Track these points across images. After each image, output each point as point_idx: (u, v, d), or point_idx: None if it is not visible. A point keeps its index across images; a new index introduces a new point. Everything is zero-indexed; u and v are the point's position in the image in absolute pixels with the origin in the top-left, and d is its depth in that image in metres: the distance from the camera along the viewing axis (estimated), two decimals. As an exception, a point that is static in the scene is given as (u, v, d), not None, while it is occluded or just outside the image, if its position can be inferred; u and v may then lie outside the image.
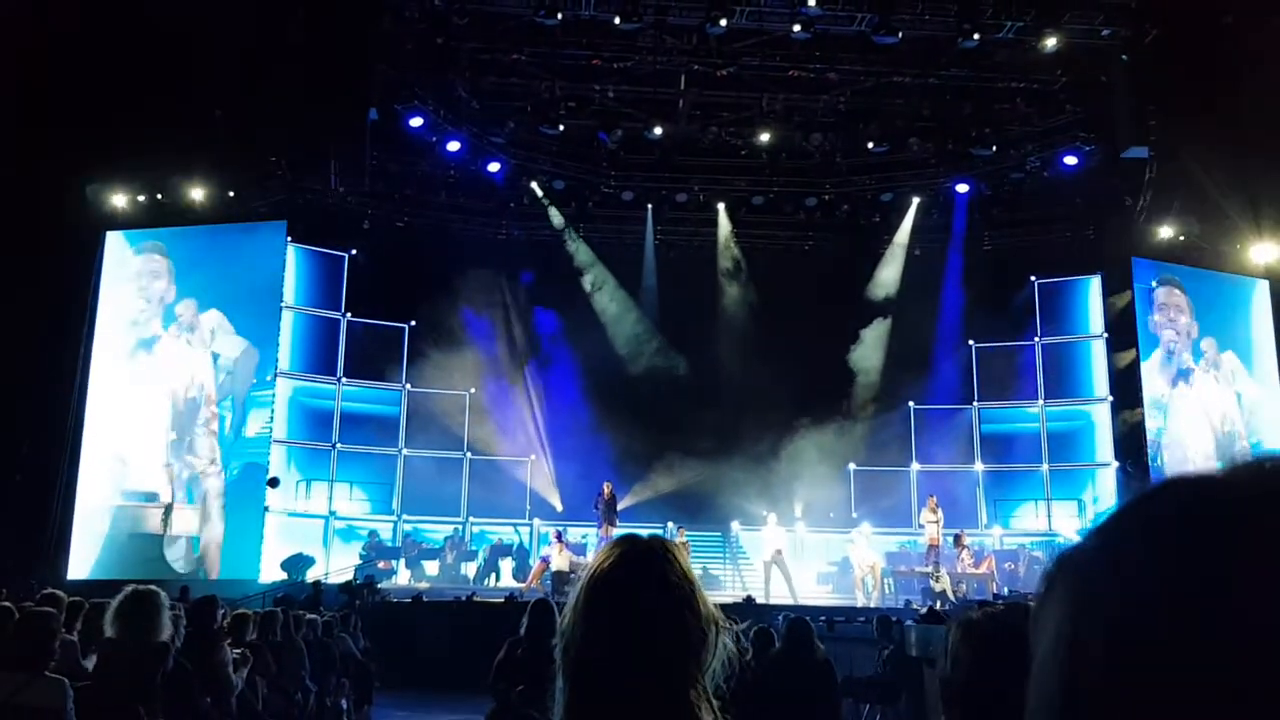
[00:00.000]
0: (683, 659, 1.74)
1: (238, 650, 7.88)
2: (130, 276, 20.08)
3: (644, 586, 1.77)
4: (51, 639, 5.41)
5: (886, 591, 18.95)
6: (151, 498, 19.18)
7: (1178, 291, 21.09)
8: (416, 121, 20.40)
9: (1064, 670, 0.54)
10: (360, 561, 19.29)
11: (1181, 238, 20.79)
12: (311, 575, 18.28)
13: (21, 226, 16.81)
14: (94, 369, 19.51)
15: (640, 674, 1.71)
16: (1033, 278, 21.86)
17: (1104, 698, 0.52)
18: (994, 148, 20.80)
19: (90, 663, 6.41)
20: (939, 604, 15.00)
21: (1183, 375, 20.89)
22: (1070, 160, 20.71)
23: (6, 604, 5.86)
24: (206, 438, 19.47)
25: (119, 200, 19.93)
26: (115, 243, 20.15)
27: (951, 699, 1.77)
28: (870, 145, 20.98)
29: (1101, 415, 21.05)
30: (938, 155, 21.29)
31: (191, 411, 19.57)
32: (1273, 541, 0.51)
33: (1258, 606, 0.49)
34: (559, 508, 21.14)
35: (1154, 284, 21.00)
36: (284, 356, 20.05)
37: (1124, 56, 18.99)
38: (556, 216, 22.16)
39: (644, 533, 1.91)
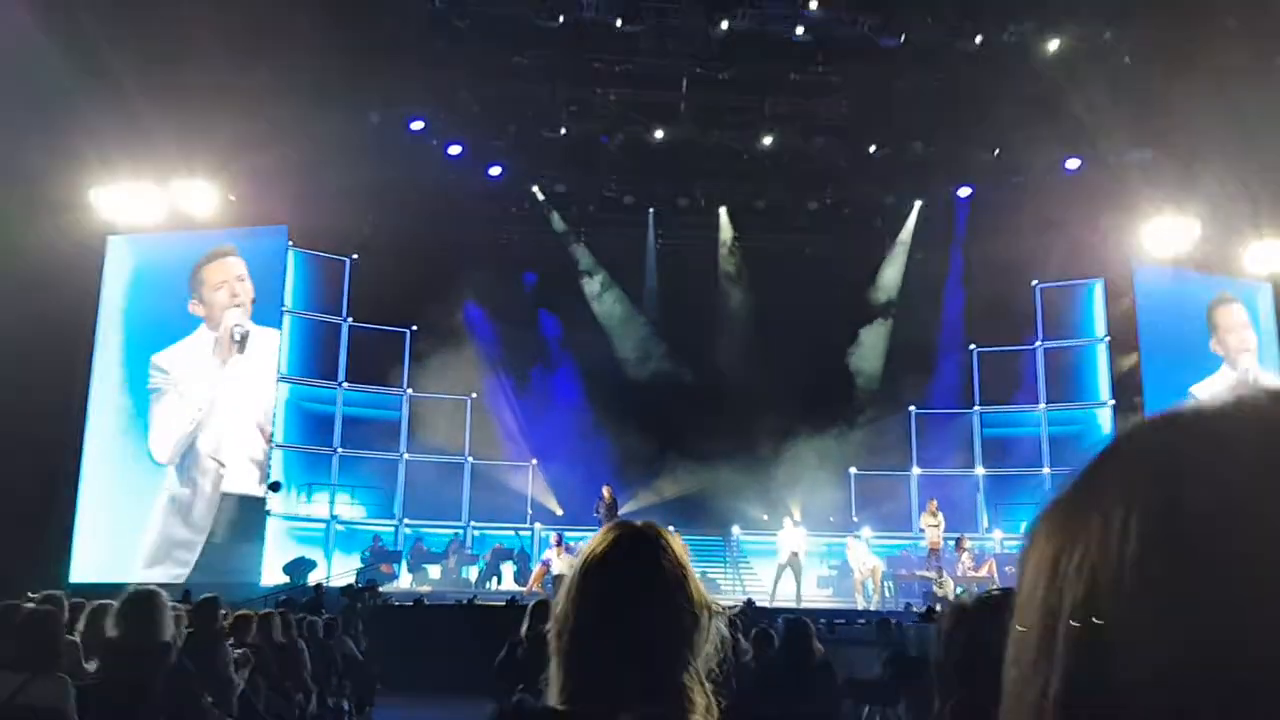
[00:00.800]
0: (675, 642, 1.75)
1: (239, 651, 7.90)
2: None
3: (637, 570, 1.78)
4: (56, 640, 5.43)
5: (887, 595, 18.95)
6: (181, 498, 19.08)
7: (1237, 307, 21.03)
8: (417, 125, 20.45)
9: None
10: (361, 565, 19.31)
11: (1184, 241, 20.77)
12: (313, 578, 18.29)
13: (26, 232, 16.83)
14: (105, 371, 19.48)
15: (632, 656, 1.73)
16: (1034, 281, 21.87)
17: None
18: (996, 151, 20.81)
19: (93, 664, 6.42)
20: (939, 607, 15.00)
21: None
22: (1072, 164, 20.73)
23: (12, 602, 5.87)
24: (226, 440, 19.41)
25: (121, 204, 19.93)
26: (121, 246, 20.15)
27: (946, 680, 1.78)
28: (872, 149, 21.00)
29: (1103, 419, 21.05)
30: (940, 159, 21.30)
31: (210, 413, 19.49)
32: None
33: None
34: (559, 512, 21.14)
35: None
36: (285, 361, 20.05)
37: (1126, 59, 19.00)
38: (558, 221, 22.20)
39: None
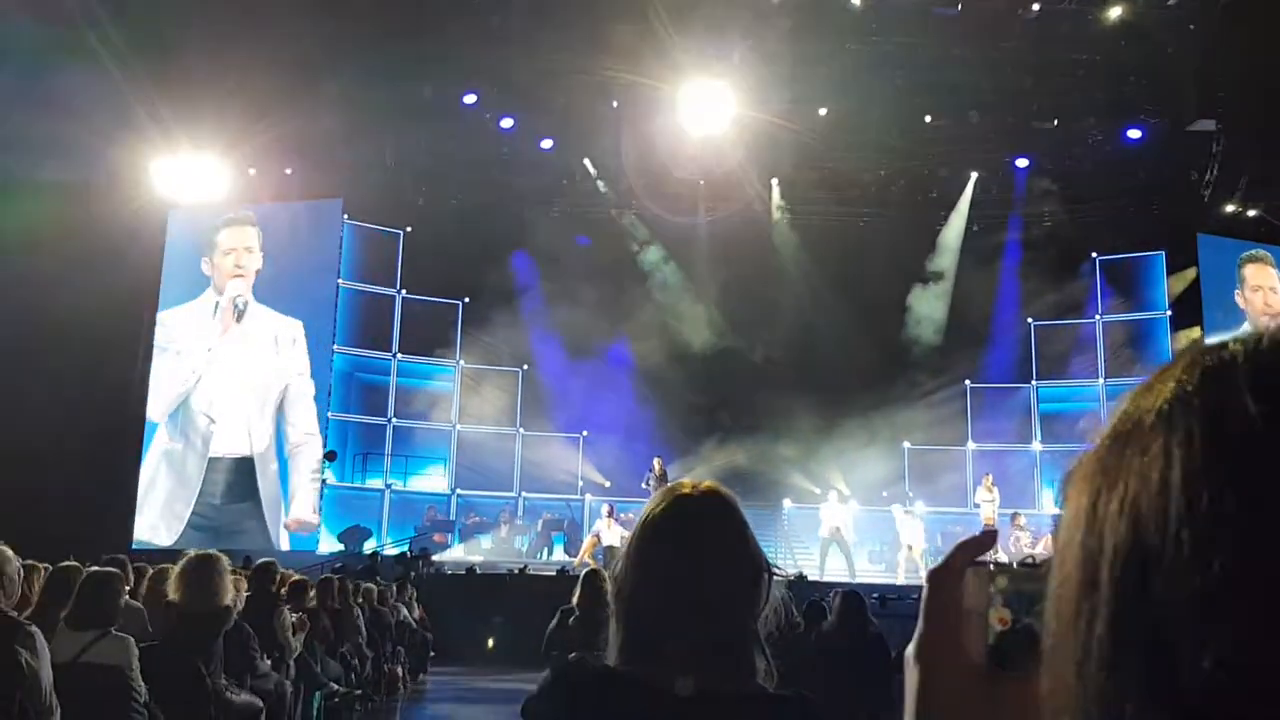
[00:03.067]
0: (735, 604, 1.74)
1: (296, 615, 8.03)
2: (207, 248, 20.33)
3: (697, 530, 1.76)
4: (116, 599, 5.55)
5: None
6: (246, 462, 19.44)
7: (1270, 269, 20.53)
8: (470, 99, 20.49)
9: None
10: (415, 534, 19.54)
11: (1250, 213, 20.28)
12: (368, 547, 18.56)
13: (91, 207, 17.14)
14: (169, 340, 19.91)
15: (692, 617, 1.71)
16: (1094, 254, 21.49)
17: None
18: (1055, 121, 20.41)
19: (155, 626, 6.56)
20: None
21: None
22: (1134, 134, 20.28)
23: (74, 563, 6.00)
24: (305, 409, 19.72)
25: (179, 178, 20.23)
26: (183, 217, 20.49)
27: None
28: (928, 119, 20.69)
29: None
30: (997, 130, 20.93)
31: (282, 382, 19.84)
32: None
33: None
34: (606, 484, 21.21)
35: (1240, 261, 20.45)
36: (339, 332, 20.27)
37: (1191, 26, 18.51)
38: (609, 194, 22.16)
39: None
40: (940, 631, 0.75)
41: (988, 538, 0.76)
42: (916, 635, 0.76)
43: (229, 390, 19.67)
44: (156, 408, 19.63)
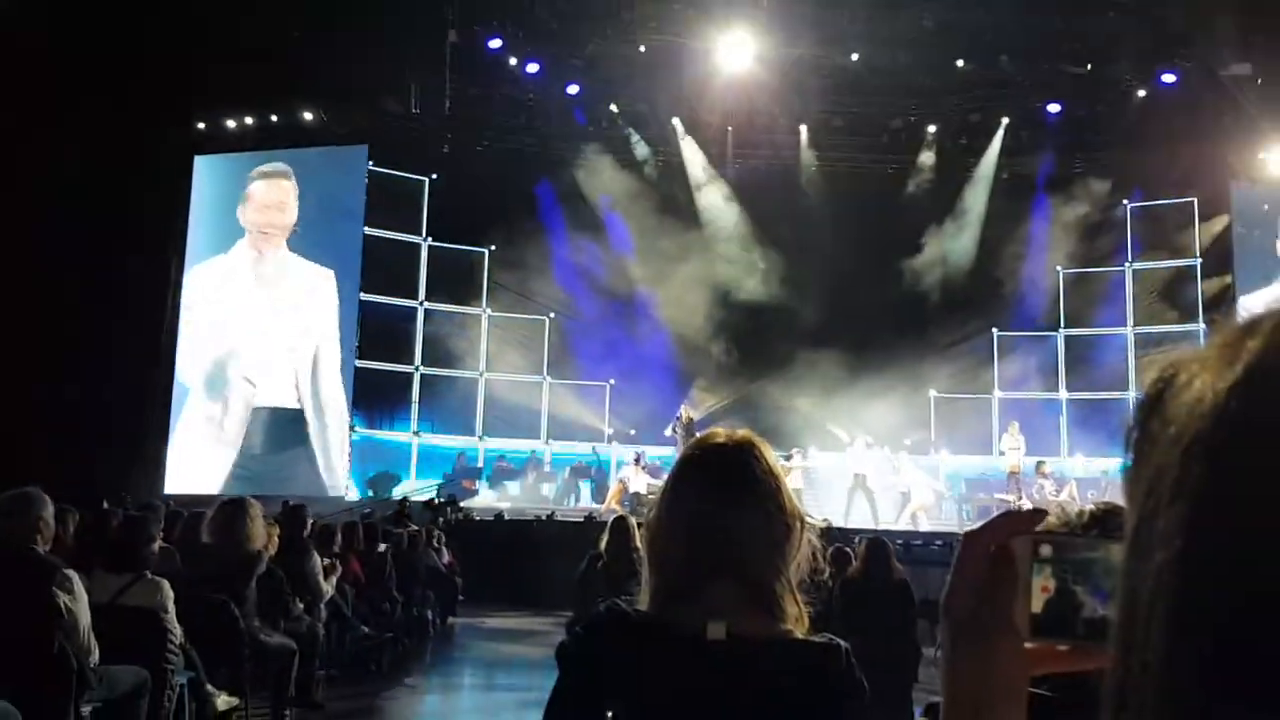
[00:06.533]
0: (767, 550, 1.75)
1: (326, 560, 8.14)
2: (240, 198, 20.43)
3: (730, 477, 1.77)
4: (150, 543, 5.64)
5: (966, 518, 18.84)
6: (285, 412, 19.64)
7: None
8: (495, 44, 20.33)
9: None
10: (443, 481, 19.72)
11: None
12: (397, 493, 18.76)
13: (115, 152, 17.16)
14: (196, 288, 20.07)
15: (724, 563, 1.73)
16: (1125, 201, 21.21)
17: None
18: (1088, 66, 20.05)
19: (189, 569, 6.66)
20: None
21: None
22: (1168, 78, 19.90)
23: (108, 508, 6.10)
24: (332, 366, 19.91)
25: (203, 125, 20.28)
26: (207, 167, 20.54)
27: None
28: (959, 64, 20.37)
29: (1195, 342, 20.46)
30: (1028, 74, 20.60)
31: (315, 329, 19.99)
32: None
33: None
34: (631, 431, 21.27)
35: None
36: (365, 280, 20.29)
37: (1228, -34, 18.09)
38: (636, 139, 22.00)
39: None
40: (964, 593, 0.74)
41: (1036, 515, 0.75)
42: (945, 590, 0.75)
43: (264, 346, 19.83)
44: (191, 370, 19.85)
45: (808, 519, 1.83)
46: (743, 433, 1.86)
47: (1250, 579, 0.47)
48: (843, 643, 1.76)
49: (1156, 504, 0.51)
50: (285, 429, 19.59)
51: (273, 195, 20.30)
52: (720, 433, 1.86)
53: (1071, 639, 0.70)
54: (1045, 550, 0.72)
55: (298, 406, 19.66)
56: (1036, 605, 0.71)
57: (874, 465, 18.61)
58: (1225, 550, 0.48)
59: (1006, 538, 0.74)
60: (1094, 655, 0.66)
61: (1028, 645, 0.72)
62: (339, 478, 19.31)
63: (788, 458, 17.55)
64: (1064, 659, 0.71)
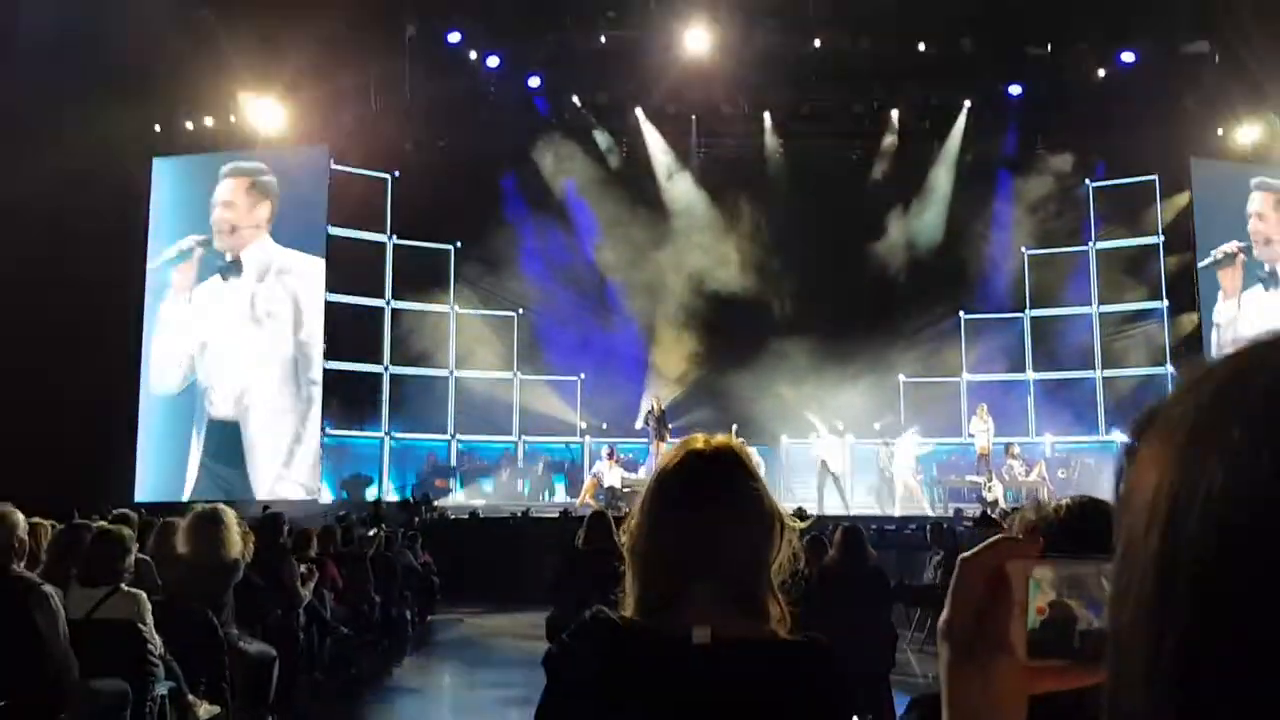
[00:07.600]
0: (750, 554, 1.77)
1: (304, 565, 8.11)
2: (181, 201, 20.22)
3: (712, 483, 1.79)
4: (126, 555, 5.60)
5: (937, 500, 19.00)
6: (252, 416, 19.47)
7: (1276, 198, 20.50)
8: (454, 37, 20.20)
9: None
10: (417, 481, 19.64)
11: (1245, 139, 20.17)
12: (370, 494, 18.68)
13: (74, 156, 16.95)
14: (159, 291, 19.88)
15: (707, 568, 1.75)
16: (1087, 180, 21.41)
17: None
18: (1049, 46, 20.19)
19: (164, 580, 6.62)
20: (992, 511, 15.01)
21: (1262, 281, 20.37)
22: (1127, 58, 20.08)
23: (83, 521, 6.05)
24: (304, 366, 19.79)
25: (161, 126, 20.05)
26: (168, 168, 20.32)
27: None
28: (920, 47, 20.44)
29: (1157, 320, 20.71)
30: (989, 56, 20.70)
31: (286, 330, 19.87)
32: None
33: None
34: (603, 425, 21.25)
35: (1252, 187, 20.39)
36: (330, 280, 20.10)
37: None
38: (599, 131, 21.95)
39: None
40: (962, 616, 0.75)
41: (1030, 547, 0.76)
42: (944, 614, 0.77)
43: (231, 348, 19.66)
44: (157, 375, 19.66)
45: (788, 521, 1.85)
46: (721, 439, 1.88)
47: (1224, 601, 0.48)
48: (826, 641, 1.79)
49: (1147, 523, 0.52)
50: (254, 433, 19.42)
51: (238, 195, 20.09)
52: (700, 439, 1.88)
53: (1068, 656, 0.72)
54: (1040, 571, 0.74)
55: (265, 410, 19.48)
56: (1033, 624, 0.73)
57: (842, 453, 18.76)
58: (1201, 565, 0.49)
59: (1003, 561, 0.75)
60: (1091, 671, 0.67)
61: (1026, 665, 0.73)
62: (311, 480, 19.18)
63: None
64: (1062, 677, 0.72)
